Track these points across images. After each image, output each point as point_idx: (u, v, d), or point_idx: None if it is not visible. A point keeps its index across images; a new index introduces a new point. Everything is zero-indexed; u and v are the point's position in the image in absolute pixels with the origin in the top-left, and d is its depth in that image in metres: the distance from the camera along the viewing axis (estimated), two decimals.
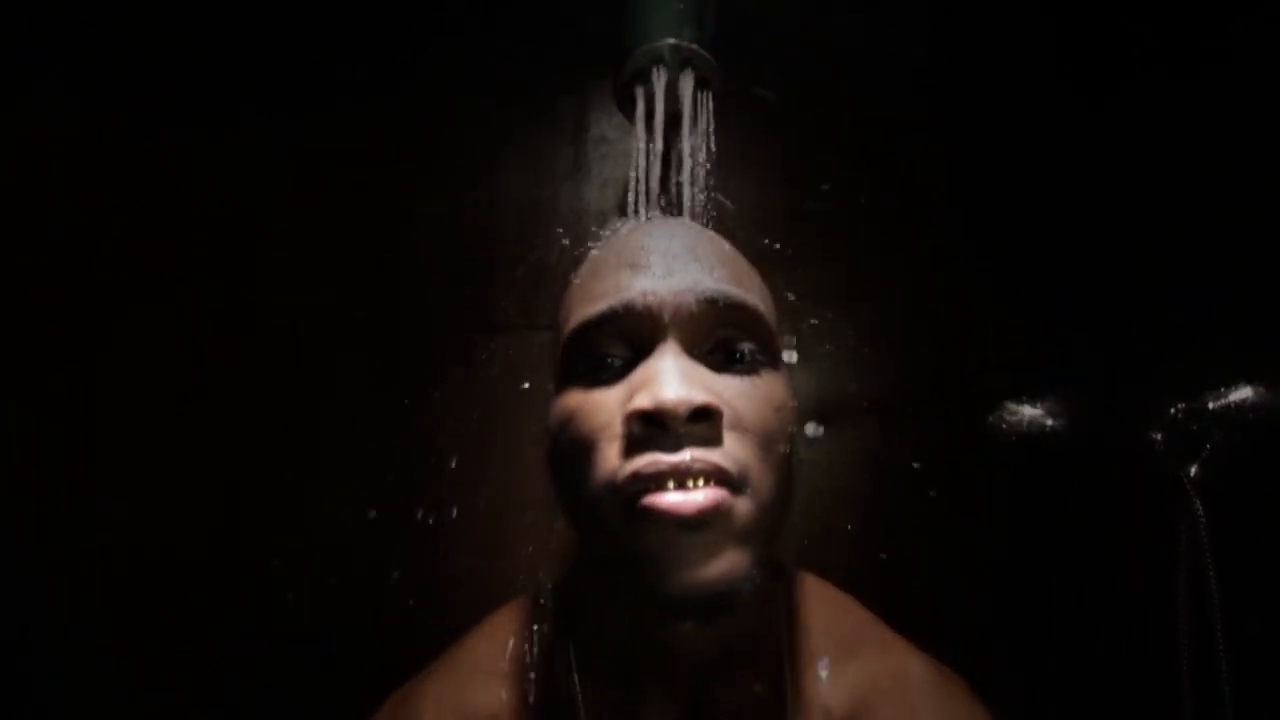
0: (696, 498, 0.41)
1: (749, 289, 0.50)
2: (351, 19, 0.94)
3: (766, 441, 0.46)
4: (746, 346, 0.48)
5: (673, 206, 0.75)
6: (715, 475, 0.42)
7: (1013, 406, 0.94)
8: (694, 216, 0.74)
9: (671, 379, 0.43)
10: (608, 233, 0.57)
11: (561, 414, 0.48)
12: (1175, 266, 0.95)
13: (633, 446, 0.43)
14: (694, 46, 0.77)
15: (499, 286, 0.93)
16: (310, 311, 0.94)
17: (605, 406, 0.46)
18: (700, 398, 0.42)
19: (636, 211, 0.76)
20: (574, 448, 0.46)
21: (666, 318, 0.46)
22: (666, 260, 0.48)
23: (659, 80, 0.78)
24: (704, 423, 0.43)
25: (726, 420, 0.44)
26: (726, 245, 0.53)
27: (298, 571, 0.87)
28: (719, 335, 0.47)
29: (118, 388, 0.91)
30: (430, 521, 0.86)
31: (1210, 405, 0.86)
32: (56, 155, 0.94)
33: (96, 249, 0.93)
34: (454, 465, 0.87)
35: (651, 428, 0.43)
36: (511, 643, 0.57)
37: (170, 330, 0.93)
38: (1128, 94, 1.01)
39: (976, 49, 1.01)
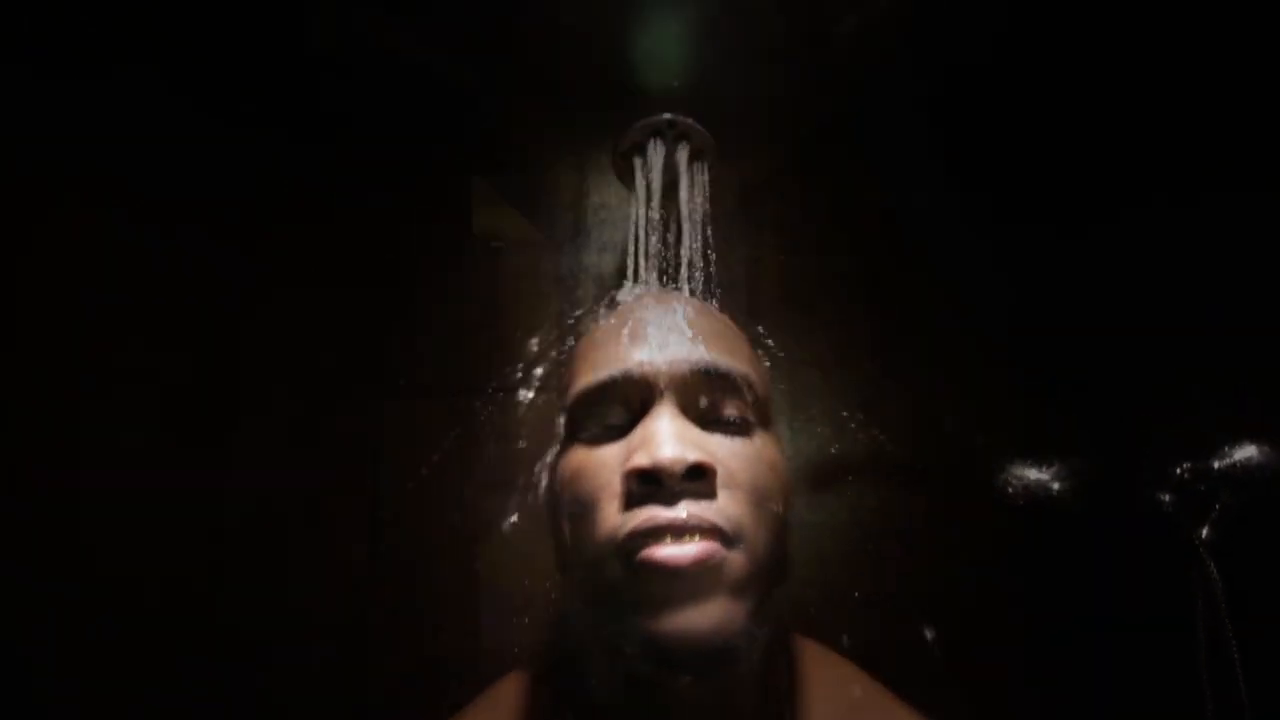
0: (691, 550, 0.44)
1: (739, 358, 0.53)
2: (358, 85, 0.98)
3: (759, 498, 0.49)
4: (738, 410, 0.51)
5: (670, 271, 0.77)
6: (709, 529, 0.45)
7: (1018, 470, 0.93)
8: (690, 282, 0.77)
9: (668, 439, 0.46)
10: (610, 305, 0.61)
11: (564, 474, 0.51)
12: (1176, 321, 0.95)
13: (632, 502, 0.46)
14: (689, 121, 0.81)
15: (499, 349, 0.94)
16: (306, 375, 0.95)
17: (606, 466, 0.49)
18: (694, 456, 0.46)
19: (636, 276, 0.78)
20: (577, 505, 0.49)
21: (662, 385, 0.49)
22: (662, 333, 0.52)
23: (656, 152, 0.81)
24: (698, 480, 0.46)
25: (720, 478, 0.47)
26: (718, 317, 0.58)
27: (285, 643, 0.85)
28: (711, 400, 0.51)
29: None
30: (427, 586, 0.85)
31: (1216, 465, 0.85)
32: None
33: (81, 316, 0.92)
34: (450, 528, 0.87)
35: (649, 485, 0.46)
36: (511, 714, 0.56)
37: (157, 388, 0.92)
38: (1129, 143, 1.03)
39: (970, 108, 1.04)
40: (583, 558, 0.48)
